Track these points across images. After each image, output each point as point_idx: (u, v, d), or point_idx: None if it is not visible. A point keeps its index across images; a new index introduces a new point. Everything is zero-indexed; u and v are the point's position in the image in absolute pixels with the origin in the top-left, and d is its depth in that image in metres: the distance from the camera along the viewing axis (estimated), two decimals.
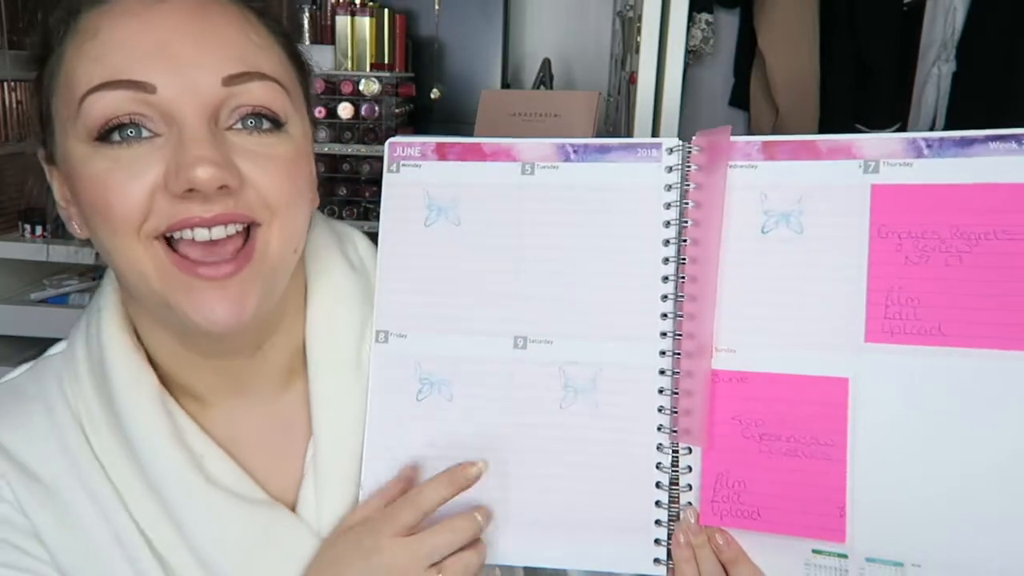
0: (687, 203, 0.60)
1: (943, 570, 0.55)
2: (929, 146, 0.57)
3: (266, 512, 0.59)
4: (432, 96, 2.29)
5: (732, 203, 0.60)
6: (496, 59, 2.47)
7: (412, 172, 0.65)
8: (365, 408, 0.63)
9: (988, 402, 0.54)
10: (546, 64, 2.16)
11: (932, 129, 2.00)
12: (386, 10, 2.20)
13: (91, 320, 0.62)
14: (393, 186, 0.65)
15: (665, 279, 0.60)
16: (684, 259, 0.60)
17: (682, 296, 0.60)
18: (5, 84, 1.98)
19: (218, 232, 0.52)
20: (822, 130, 2.03)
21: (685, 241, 0.60)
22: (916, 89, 2.01)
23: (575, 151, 0.63)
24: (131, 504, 0.57)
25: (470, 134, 1.54)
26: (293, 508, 0.61)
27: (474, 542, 0.59)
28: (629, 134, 1.31)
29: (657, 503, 0.59)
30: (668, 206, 0.61)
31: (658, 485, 0.59)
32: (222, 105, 0.53)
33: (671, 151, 0.61)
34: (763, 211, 0.59)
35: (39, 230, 1.83)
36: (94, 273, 1.90)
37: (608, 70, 2.33)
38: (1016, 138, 0.55)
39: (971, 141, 0.56)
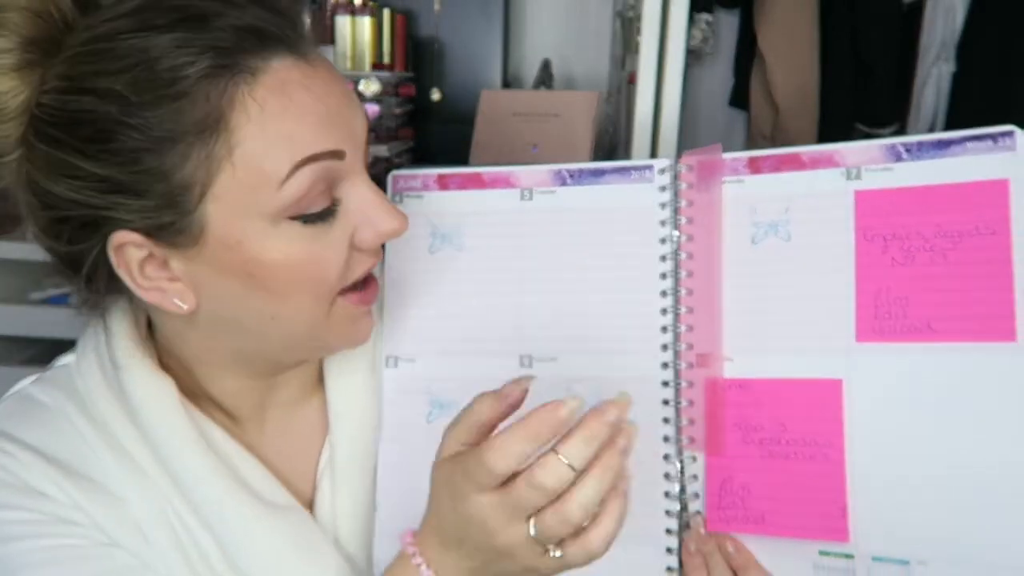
0: (681, 219, 0.62)
1: (949, 566, 0.55)
2: (908, 150, 0.58)
3: (293, 517, 0.60)
4: (433, 98, 2.29)
5: (723, 216, 0.62)
6: (496, 59, 2.47)
7: (415, 202, 0.67)
8: (379, 411, 0.65)
9: (980, 394, 0.55)
10: (546, 64, 2.16)
11: (932, 129, 2.00)
12: (386, 10, 2.20)
13: (99, 340, 0.61)
14: None
15: (664, 293, 0.62)
16: (681, 273, 0.61)
17: (681, 309, 0.61)
18: None
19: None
20: (822, 130, 2.03)
21: (681, 256, 0.62)
22: (916, 89, 2.01)
23: (571, 176, 0.65)
24: (169, 506, 0.58)
25: (470, 134, 1.54)
26: (310, 510, 0.62)
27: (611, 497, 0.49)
28: (629, 134, 1.31)
29: (667, 512, 0.60)
30: (663, 223, 0.63)
31: (666, 494, 0.60)
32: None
33: (663, 171, 0.63)
34: (752, 223, 0.61)
35: None
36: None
37: (608, 70, 2.33)
38: (992, 136, 0.57)
39: (948, 143, 0.57)
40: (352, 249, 0.54)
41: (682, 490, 0.60)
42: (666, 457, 0.61)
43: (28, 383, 0.62)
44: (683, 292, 0.61)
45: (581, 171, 0.65)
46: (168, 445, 0.57)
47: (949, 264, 0.56)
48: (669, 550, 0.60)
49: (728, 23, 2.19)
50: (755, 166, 0.61)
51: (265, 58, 0.50)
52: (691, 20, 1.88)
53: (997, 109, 1.86)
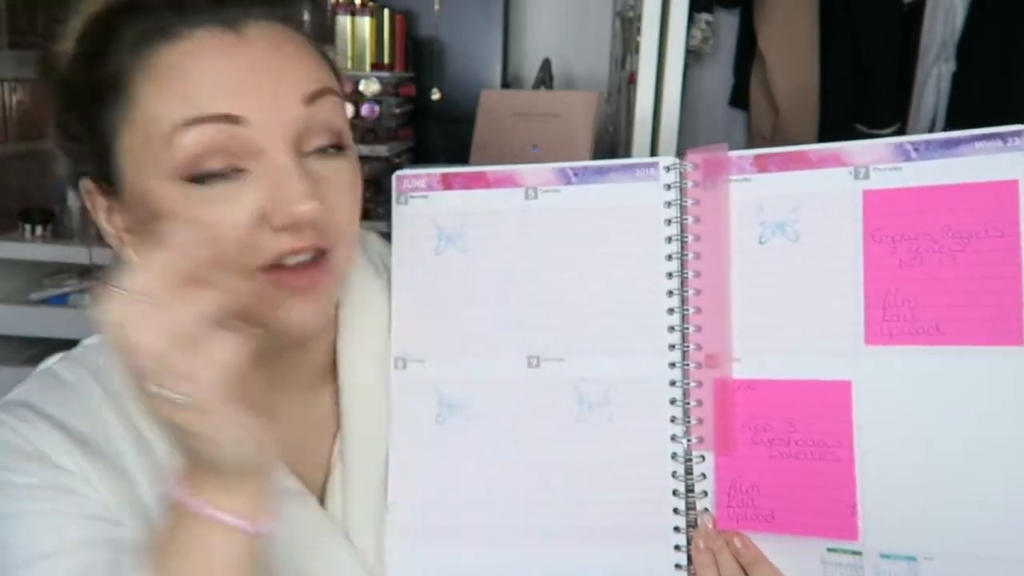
0: (687, 218, 0.62)
1: (955, 561, 0.55)
2: (916, 149, 0.58)
3: (302, 503, 0.61)
4: (433, 98, 2.30)
5: (731, 215, 0.61)
6: (496, 59, 2.47)
7: (420, 203, 0.67)
8: (391, 407, 0.65)
9: (986, 397, 0.55)
10: (546, 64, 2.16)
11: (932, 129, 2.00)
12: (386, 10, 2.20)
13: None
14: (402, 217, 0.67)
15: (670, 293, 0.62)
16: (687, 273, 0.61)
17: (688, 309, 0.61)
18: (5, 84, 1.98)
19: (305, 256, 0.55)
20: (822, 130, 2.03)
21: (687, 255, 0.61)
22: (916, 89, 2.01)
23: (575, 174, 0.65)
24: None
25: (470, 134, 1.55)
26: (320, 500, 0.63)
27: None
28: (629, 134, 1.31)
29: (675, 510, 0.60)
30: (669, 222, 0.62)
31: (675, 493, 0.61)
32: (304, 130, 0.54)
33: (668, 169, 0.63)
34: (759, 222, 0.60)
35: (39, 230, 1.84)
36: (94, 273, 1.90)
37: (608, 70, 2.33)
38: (1001, 136, 0.56)
39: (957, 142, 0.57)
40: (263, 226, 0.53)
41: (690, 489, 0.61)
42: (673, 456, 0.61)
43: (53, 361, 0.64)
44: (691, 292, 0.61)
45: (586, 169, 0.65)
46: None
47: (958, 266, 0.56)
48: (677, 548, 0.60)
49: (728, 23, 2.19)
50: (762, 165, 0.61)
51: (190, 26, 0.53)
52: (691, 20, 1.88)
53: (997, 109, 1.86)
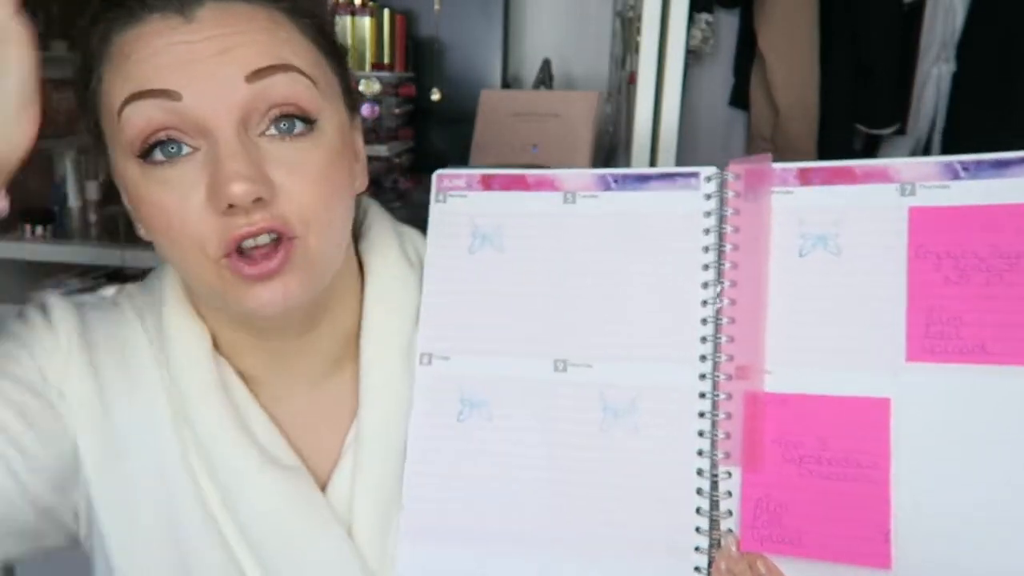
0: (726, 228, 0.61)
1: None
2: (966, 168, 0.57)
3: (295, 477, 0.61)
4: (433, 98, 2.29)
5: (771, 227, 0.60)
6: (496, 59, 2.47)
7: (458, 202, 0.67)
8: (410, 398, 0.65)
9: None
10: (546, 64, 2.16)
11: (931, 130, 2.00)
12: (386, 10, 2.20)
13: (152, 286, 0.66)
14: (440, 215, 0.68)
15: (704, 303, 0.61)
16: (724, 282, 0.60)
17: (722, 319, 0.60)
18: None
19: (262, 239, 0.54)
20: (822, 130, 2.03)
21: (724, 265, 0.60)
22: (916, 89, 2.01)
23: (615, 180, 0.65)
24: (186, 453, 0.62)
25: (470, 134, 1.54)
26: (323, 486, 0.63)
27: None
28: (629, 134, 1.31)
29: (697, 529, 0.59)
30: (707, 231, 0.62)
31: (698, 510, 0.59)
32: (251, 108, 0.53)
33: (709, 179, 0.62)
34: (800, 234, 0.60)
35: (39, 230, 1.84)
36: (94, 273, 1.90)
37: (608, 70, 2.33)
38: None
39: (1007, 163, 0.56)
40: (208, 208, 0.53)
41: (715, 506, 0.59)
42: (699, 471, 0.59)
43: (110, 289, 0.69)
44: (725, 302, 0.60)
45: (626, 176, 0.64)
46: (189, 381, 0.61)
47: (1005, 285, 0.55)
48: (697, 569, 0.58)
49: (728, 23, 2.19)
50: (805, 178, 0.60)
51: (148, 10, 0.54)
52: (691, 20, 1.88)
53: (997, 109, 1.86)
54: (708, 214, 0.62)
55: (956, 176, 0.57)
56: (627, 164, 1.35)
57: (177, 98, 0.52)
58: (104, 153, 0.59)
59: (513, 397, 0.63)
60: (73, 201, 1.89)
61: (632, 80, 1.45)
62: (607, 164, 1.78)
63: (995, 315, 0.55)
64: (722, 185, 0.62)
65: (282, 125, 0.54)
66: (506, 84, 2.51)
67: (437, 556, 0.63)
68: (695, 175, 0.63)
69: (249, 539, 0.61)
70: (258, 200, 0.52)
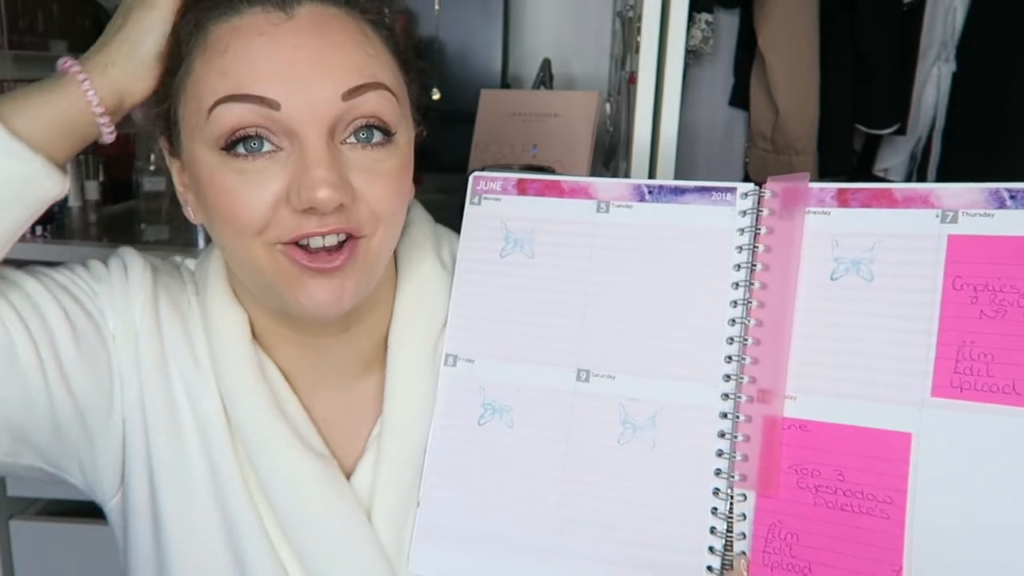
0: (758, 246, 0.60)
1: None
2: (1013, 197, 0.54)
3: (322, 462, 0.63)
4: (433, 98, 2.29)
5: (803, 248, 0.59)
6: (496, 59, 2.46)
7: (492, 205, 0.68)
8: (434, 397, 0.66)
9: None
10: (546, 64, 2.16)
11: (931, 130, 1.99)
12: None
13: (205, 265, 0.69)
14: (474, 217, 0.68)
15: (732, 322, 0.60)
16: (752, 302, 0.59)
17: (747, 340, 0.59)
18: (5, 84, 1.97)
19: (330, 240, 0.57)
20: (822, 130, 2.03)
21: (754, 284, 0.60)
22: (916, 89, 2.00)
23: (650, 192, 0.64)
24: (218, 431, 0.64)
25: (470, 134, 1.54)
26: (347, 479, 0.65)
27: None
28: (629, 134, 1.31)
29: (710, 549, 0.58)
30: (740, 249, 0.61)
31: (712, 531, 0.59)
32: (340, 120, 0.56)
33: (746, 195, 0.62)
34: (833, 257, 0.58)
35: (39, 230, 1.83)
36: None
37: (608, 70, 2.33)
38: None
39: None
40: (284, 203, 0.56)
41: (728, 528, 0.58)
42: (716, 492, 0.59)
43: (178, 257, 0.73)
44: (752, 322, 0.59)
45: (661, 187, 0.64)
46: (229, 362, 0.63)
47: None
48: None
49: (728, 23, 2.19)
50: (843, 199, 0.59)
51: (248, 2, 0.56)
52: (691, 20, 1.88)
53: (997, 109, 1.86)
54: (742, 231, 0.61)
55: (1002, 204, 0.54)
56: (627, 164, 1.35)
57: (276, 107, 0.54)
58: (167, 134, 0.61)
59: (535, 405, 0.63)
60: (73, 201, 1.89)
61: (632, 80, 1.44)
62: (607, 164, 1.78)
63: None
64: (758, 202, 0.61)
65: (362, 135, 0.57)
66: (506, 84, 2.51)
67: (448, 557, 0.63)
68: (732, 190, 0.62)
69: (278, 514, 0.63)
70: (339, 207, 0.55)
